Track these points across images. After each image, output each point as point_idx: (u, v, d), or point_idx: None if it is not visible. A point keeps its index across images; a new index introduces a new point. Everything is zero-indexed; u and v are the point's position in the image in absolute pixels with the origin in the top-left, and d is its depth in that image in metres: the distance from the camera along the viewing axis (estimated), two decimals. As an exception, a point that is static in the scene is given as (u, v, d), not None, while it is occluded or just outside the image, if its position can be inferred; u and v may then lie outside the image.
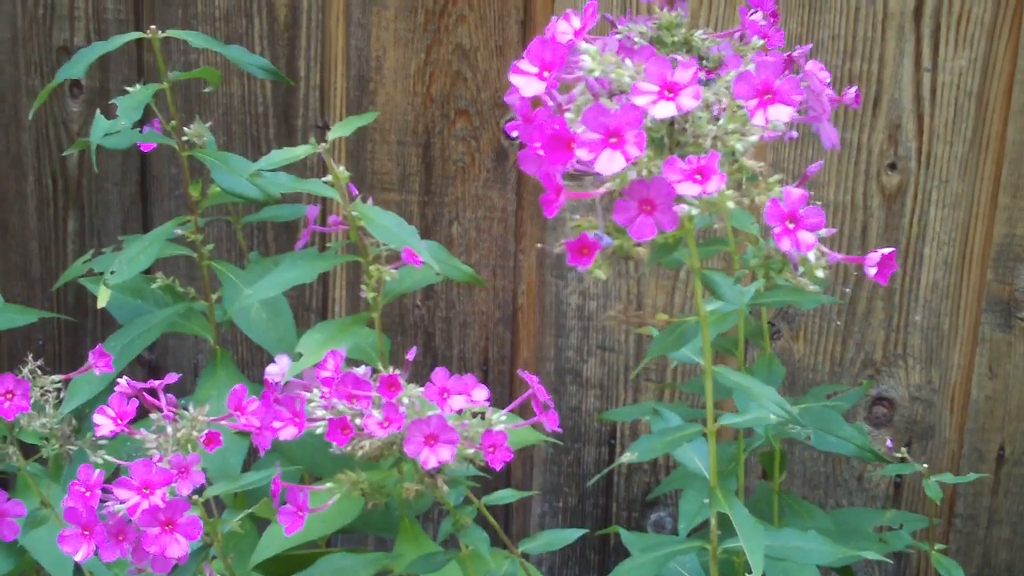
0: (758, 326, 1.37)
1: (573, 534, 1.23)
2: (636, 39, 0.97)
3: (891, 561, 1.22)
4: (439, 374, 1.09)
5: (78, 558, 1.08)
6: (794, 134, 1.45)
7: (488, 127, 1.65)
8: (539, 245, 1.66)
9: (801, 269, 0.96)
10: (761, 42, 1.03)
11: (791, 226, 0.93)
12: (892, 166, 1.56)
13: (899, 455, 1.32)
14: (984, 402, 1.60)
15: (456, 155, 1.66)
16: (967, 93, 1.51)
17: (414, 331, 1.73)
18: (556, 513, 1.76)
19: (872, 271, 0.96)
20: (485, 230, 1.68)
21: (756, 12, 1.06)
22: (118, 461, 1.16)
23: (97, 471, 1.10)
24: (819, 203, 0.94)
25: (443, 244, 1.67)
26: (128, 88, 1.37)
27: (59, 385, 1.24)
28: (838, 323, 1.61)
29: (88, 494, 1.09)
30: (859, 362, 1.62)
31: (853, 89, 1.00)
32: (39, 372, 1.23)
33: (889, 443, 1.42)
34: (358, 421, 1.08)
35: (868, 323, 1.60)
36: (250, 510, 1.25)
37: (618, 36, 0.98)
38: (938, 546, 1.27)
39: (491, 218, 1.67)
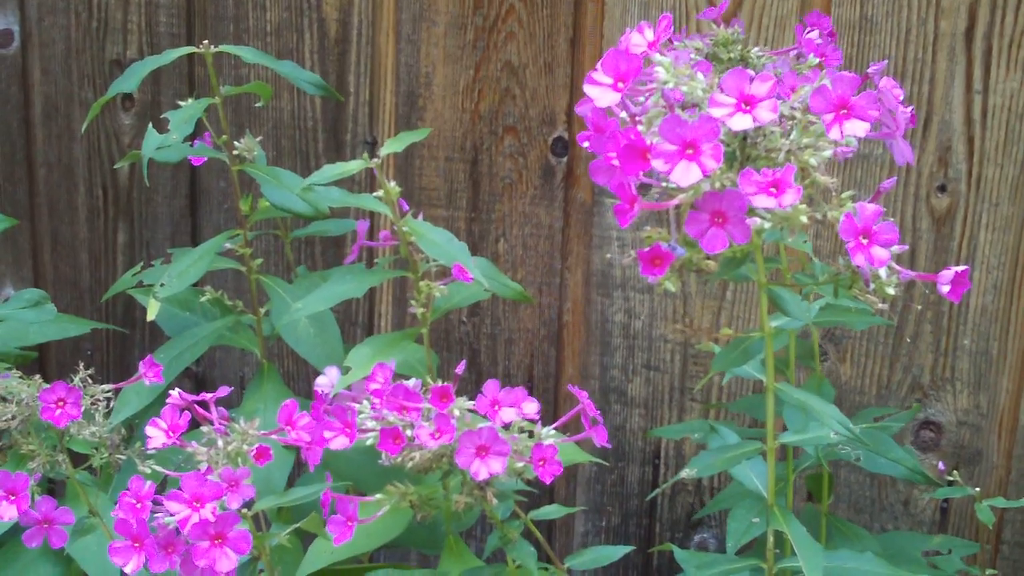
0: (807, 347, 1.36)
1: (619, 551, 1.23)
2: (693, 55, 0.98)
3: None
4: (490, 386, 1.09)
5: (129, 570, 1.08)
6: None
7: (536, 144, 1.65)
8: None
9: (872, 286, 0.96)
10: (817, 60, 1.03)
11: (865, 241, 0.93)
12: (942, 188, 1.55)
13: (950, 479, 1.31)
14: (1033, 427, 1.59)
15: (503, 172, 1.66)
16: (1018, 115, 1.51)
17: (459, 347, 1.73)
18: (599, 532, 1.76)
19: (945, 288, 0.96)
20: (531, 247, 1.68)
21: (813, 31, 1.06)
22: (167, 471, 1.17)
23: (148, 483, 1.10)
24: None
25: (490, 261, 1.67)
26: (179, 102, 1.38)
27: (109, 394, 1.25)
28: (883, 344, 1.59)
29: (139, 506, 1.09)
30: (906, 385, 1.61)
31: (909, 109, 1.00)
32: (89, 381, 1.23)
33: (941, 466, 1.41)
34: (409, 432, 1.08)
35: (916, 346, 1.60)
36: (298, 524, 1.25)
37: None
38: (989, 572, 1.26)
39: (538, 235, 1.67)
